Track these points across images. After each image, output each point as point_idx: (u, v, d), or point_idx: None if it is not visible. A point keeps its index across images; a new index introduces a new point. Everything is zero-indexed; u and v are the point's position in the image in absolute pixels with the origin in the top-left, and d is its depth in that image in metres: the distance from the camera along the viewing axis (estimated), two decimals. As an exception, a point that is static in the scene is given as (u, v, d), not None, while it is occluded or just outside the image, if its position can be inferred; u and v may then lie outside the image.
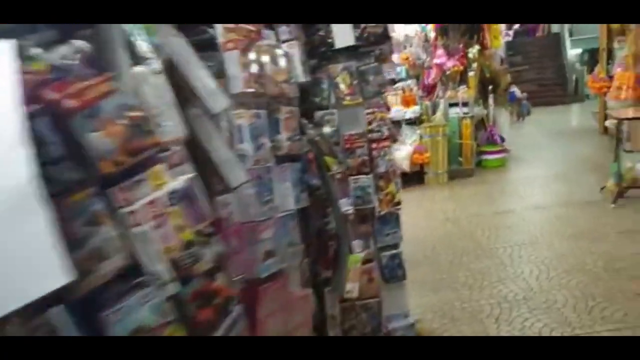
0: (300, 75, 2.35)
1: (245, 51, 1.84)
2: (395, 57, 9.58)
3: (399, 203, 2.70)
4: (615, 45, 8.73)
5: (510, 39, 16.03)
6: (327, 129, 2.52)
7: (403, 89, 7.94)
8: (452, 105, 7.68)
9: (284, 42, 2.36)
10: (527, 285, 3.76)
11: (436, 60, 7.85)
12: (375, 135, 2.64)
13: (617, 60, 7.48)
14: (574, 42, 18.48)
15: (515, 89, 13.61)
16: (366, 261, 2.54)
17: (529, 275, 3.96)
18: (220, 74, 1.74)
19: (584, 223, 4.89)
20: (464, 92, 7.65)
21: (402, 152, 7.07)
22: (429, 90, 8.45)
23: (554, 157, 8.32)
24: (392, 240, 2.74)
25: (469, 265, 4.27)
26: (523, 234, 4.83)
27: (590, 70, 18.90)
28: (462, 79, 7.92)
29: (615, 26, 8.84)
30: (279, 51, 2.10)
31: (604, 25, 9.51)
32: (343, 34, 2.57)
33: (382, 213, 2.67)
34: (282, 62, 2.14)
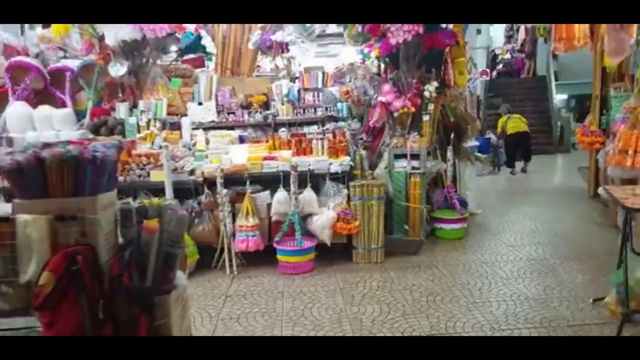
0: None
1: None
2: (334, 90, 7.76)
3: None
4: (612, 92, 6.98)
5: (487, 78, 14.36)
6: None
7: (333, 132, 6.03)
8: (398, 157, 5.79)
9: None
10: None
11: (381, 98, 5.98)
12: None
13: (617, 113, 5.67)
14: (560, 86, 16.93)
15: (491, 135, 11.93)
16: None
17: None
18: None
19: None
20: (415, 141, 5.76)
21: (322, 218, 5.12)
22: (374, 134, 6.57)
23: (530, 230, 6.41)
24: None
25: None
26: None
27: (578, 118, 17.39)
28: (415, 123, 6.06)
29: (611, 69, 7.11)
30: None
31: (598, 69, 7.79)
32: None
33: None
34: None
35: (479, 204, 7.50)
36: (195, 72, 7.14)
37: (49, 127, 6.10)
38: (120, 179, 5.21)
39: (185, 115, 6.47)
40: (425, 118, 6.09)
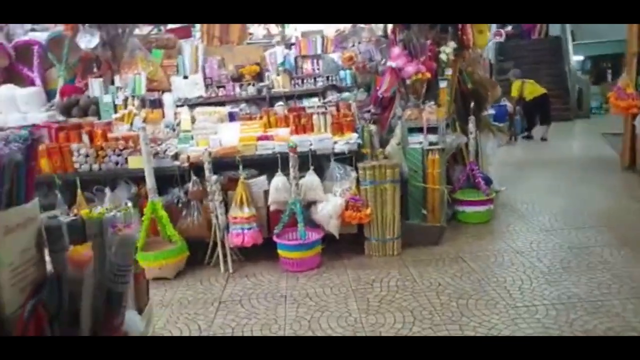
0: None
1: None
2: (335, 56, 6.95)
3: None
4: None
5: (500, 40, 13.42)
6: None
7: (337, 105, 5.25)
8: (413, 130, 5.03)
9: None
10: None
11: (390, 63, 5.18)
12: None
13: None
14: (576, 47, 15.95)
15: (506, 103, 11.08)
16: None
17: None
18: None
19: None
20: (431, 112, 4.99)
21: (328, 207, 4.40)
22: (384, 106, 5.78)
23: (564, 210, 5.66)
24: None
25: None
26: None
27: (595, 81, 16.45)
28: (430, 91, 5.27)
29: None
30: None
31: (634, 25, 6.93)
32: None
33: None
34: None
35: (501, 180, 6.75)
36: (179, 42, 6.33)
37: (14, 108, 5.39)
38: (95, 167, 4.54)
39: (169, 90, 5.69)
40: (443, 85, 5.30)
